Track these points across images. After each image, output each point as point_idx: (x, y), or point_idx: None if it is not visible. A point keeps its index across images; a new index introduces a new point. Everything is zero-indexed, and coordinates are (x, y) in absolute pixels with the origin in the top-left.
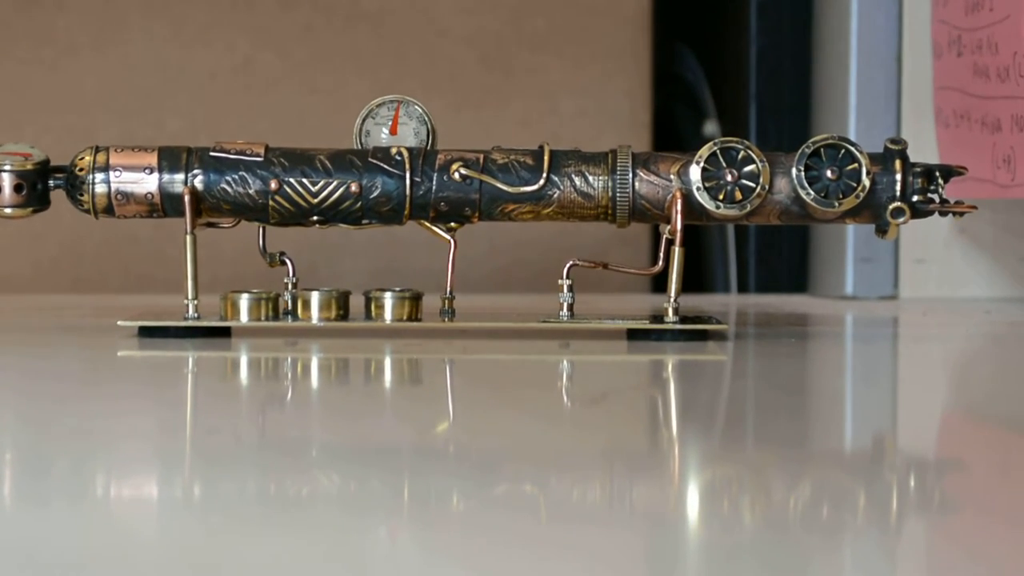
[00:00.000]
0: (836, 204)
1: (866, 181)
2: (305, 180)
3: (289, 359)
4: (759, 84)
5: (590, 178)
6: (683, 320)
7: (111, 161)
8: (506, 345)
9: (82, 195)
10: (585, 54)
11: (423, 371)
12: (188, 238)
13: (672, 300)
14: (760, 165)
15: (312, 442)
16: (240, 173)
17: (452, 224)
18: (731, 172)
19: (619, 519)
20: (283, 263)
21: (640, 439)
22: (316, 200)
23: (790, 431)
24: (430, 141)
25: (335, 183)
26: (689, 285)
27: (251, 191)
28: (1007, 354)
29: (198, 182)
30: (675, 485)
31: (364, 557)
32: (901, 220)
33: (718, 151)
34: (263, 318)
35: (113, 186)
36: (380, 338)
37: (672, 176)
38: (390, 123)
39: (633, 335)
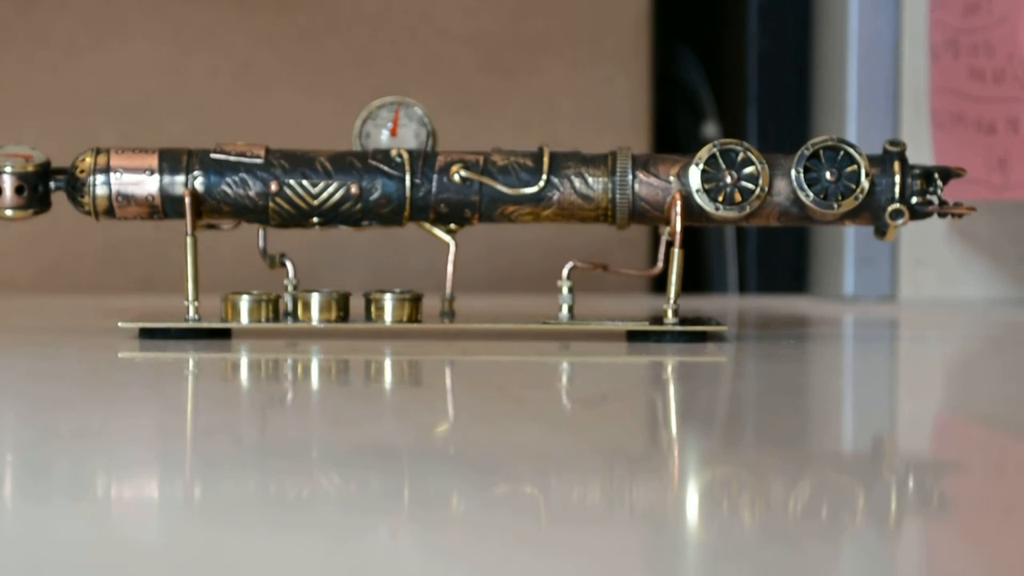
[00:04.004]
0: (835, 206)
1: (865, 183)
2: (305, 182)
3: (289, 360)
4: (759, 86)
5: (590, 180)
6: (683, 321)
7: (112, 163)
8: (506, 346)
9: (83, 197)
10: (585, 56)
11: (423, 372)
12: (189, 240)
13: (672, 301)
14: (759, 167)
15: (312, 443)
16: (240, 175)
17: (452, 226)
18: (730, 174)
19: (619, 520)
20: (283, 265)
21: (640, 440)
22: (316, 202)
23: (790, 432)
24: (430, 143)
25: (335, 185)
26: (689, 286)
27: (251, 193)
28: (1005, 355)
29: (199, 184)
30: (675, 486)
31: (364, 558)
32: (900, 222)
33: (717, 153)
34: (263, 320)
35: (114, 188)
36: (380, 340)
37: (672, 178)
38: (390, 125)
39: (633, 336)
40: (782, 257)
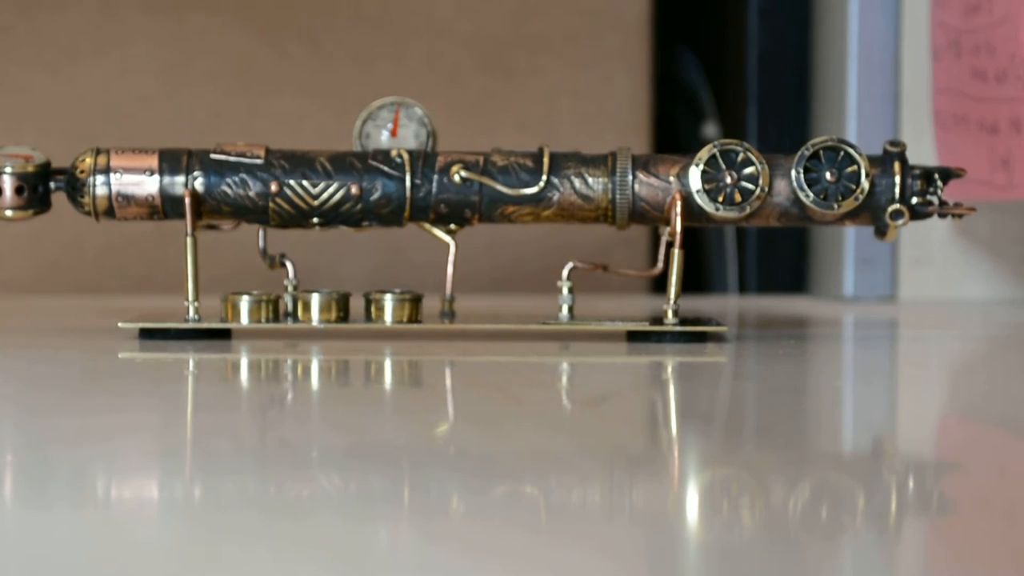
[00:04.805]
0: (835, 206)
1: (865, 183)
2: (305, 182)
3: (289, 361)
4: (759, 86)
5: (590, 180)
6: (683, 322)
7: (112, 163)
8: (506, 347)
9: (83, 197)
10: (585, 56)
11: (423, 373)
12: (189, 240)
13: (672, 302)
14: (759, 167)
15: (312, 444)
16: (240, 175)
17: (452, 226)
18: (731, 174)
19: (619, 520)
20: (283, 265)
21: (640, 440)
22: (316, 202)
23: (790, 432)
24: (430, 143)
25: (335, 185)
26: (689, 286)
27: (251, 193)
28: (1006, 355)
29: (199, 184)
30: (675, 486)
31: (364, 558)
32: (900, 222)
33: (717, 153)
34: (263, 320)
35: (114, 188)
36: (380, 340)
37: (672, 178)
38: (390, 125)
39: (633, 337)
40: (782, 257)
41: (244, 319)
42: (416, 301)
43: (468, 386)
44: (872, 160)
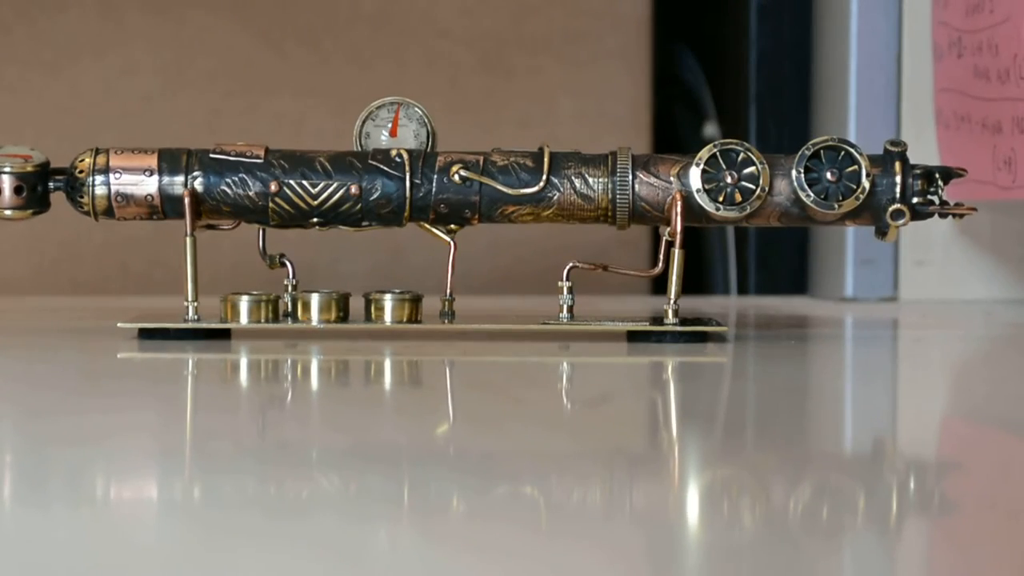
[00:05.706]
0: (836, 206)
1: (866, 183)
2: (305, 182)
3: (289, 361)
4: (759, 86)
5: (590, 180)
6: (683, 322)
7: (111, 163)
8: (506, 347)
9: (82, 197)
10: (585, 56)
11: (423, 373)
12: (188, 240)
13: (672, 302)
14: (760, 167)
15: (312, 444)
16: (240, 175)
17: (452, 226)
18: (731, 174)
19: (619, 521)
20: (283, 265)
21: (640, 441)
22: (316, 202)
23: (790, 432)
24: (430, 143)
25: (335, 185)
26: (689, 287)
27: (251, 193)
28: (1007, 355)
29: (198, 184)
30: (675, 487)
31: (364, 558)
32: (901, 222)
33: (718, 153)
34: (263, 320)
35: (113, 188)
36: (380, 340)
37: (672, 178)
38: (390, 125)
39: (633, 337)
40: (782, 258)
41: (244, 319)
42: (416, 301)
43: (468, 386)
44: (873, 160)
